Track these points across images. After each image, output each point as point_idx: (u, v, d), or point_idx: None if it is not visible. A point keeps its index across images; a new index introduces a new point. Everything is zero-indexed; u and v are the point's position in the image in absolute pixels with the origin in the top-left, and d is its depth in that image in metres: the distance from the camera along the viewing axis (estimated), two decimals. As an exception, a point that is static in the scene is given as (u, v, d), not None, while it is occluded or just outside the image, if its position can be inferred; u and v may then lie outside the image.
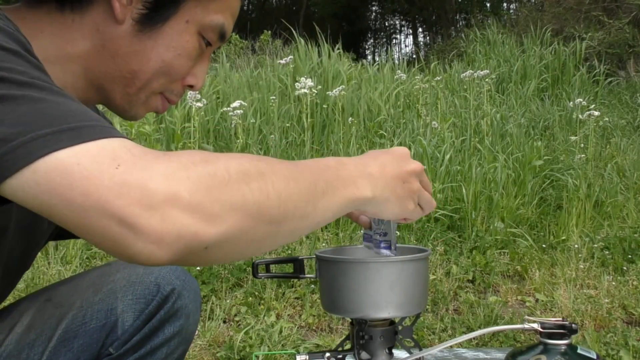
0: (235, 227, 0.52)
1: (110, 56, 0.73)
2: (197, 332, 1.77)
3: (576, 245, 2.97)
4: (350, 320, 0.92)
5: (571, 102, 4.71)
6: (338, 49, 5.25)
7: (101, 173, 0.48)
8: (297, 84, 3.99)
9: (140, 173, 0.49)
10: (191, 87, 0.80)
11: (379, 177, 0.73)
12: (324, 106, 4.28)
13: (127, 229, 0.48)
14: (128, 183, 0.48)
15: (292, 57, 4.89)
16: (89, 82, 0.75)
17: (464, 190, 3.27)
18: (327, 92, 4.26)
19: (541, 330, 0.84)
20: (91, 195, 0.48)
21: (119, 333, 0.88)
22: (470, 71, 4.87)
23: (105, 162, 0.49)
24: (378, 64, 6.01)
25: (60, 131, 0.50)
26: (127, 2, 0.71)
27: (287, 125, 4.09)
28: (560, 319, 0.84)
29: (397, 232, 0.88)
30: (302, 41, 5.22)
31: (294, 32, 5.48)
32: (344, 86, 4.28)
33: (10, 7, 0.71)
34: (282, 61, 4.76)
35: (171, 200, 0.49)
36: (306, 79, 4.02)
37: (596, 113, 3.98)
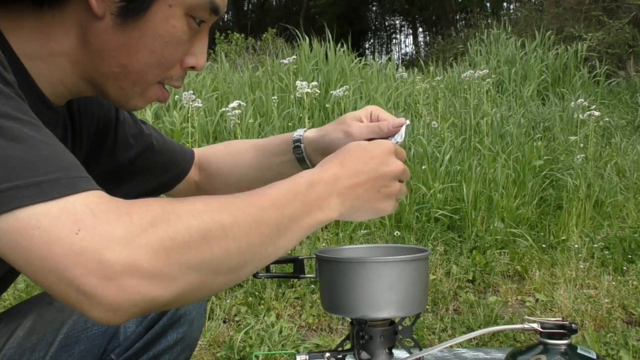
0: (193, 285, 0.53)
1: (97, 52, 0.69)
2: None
3: (576, 245, 2.97)
4: (350, 320, 0.92)
5: (572, 103, 4.71)
6: (343, 47, 5.25)
7: (60, 239, 0.48)
8: (298, 82, 3.99)
9: (99, 241, 0.48)
10: (192, 68, 0.75)
11: (350, 191, 0.71)
12: (327, 106, 4.28)
13: (84, 297, 0.48)
14: (86, 252, 0.48)
15: (295, 57, 4.89)
16: (80, 77, 0.72)
17: (464, 190, 3.27)
18: (331, 92, 4.26)
19: (541, 330, 0.84)
20: (50, 261, 0.48)
21: (121, 339, 0.87)
22: (471, 71, 4.87)
23: (65, 226, 0.48)
24: (379, 63, 6.01)
25: (23, 186, 0.48)
26: None
27: (290, 124, 4.09)
28: (560, 319, 0.84)
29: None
30: (307, 39, 5.22)
31: (297, 31, 5.48)
32: (347, 86, 4.28)
33: None
34: (285, 61, 4.76)
35: (129, 270, 0.49)
36: (302, 81, 4.01)
37: (596, 113, 3.98)
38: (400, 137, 0.83)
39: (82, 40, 0.69)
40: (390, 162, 0.76)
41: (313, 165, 0.95)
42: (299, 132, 0.97)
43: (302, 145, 0.96)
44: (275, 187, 0.64)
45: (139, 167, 0.96)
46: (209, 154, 1.07)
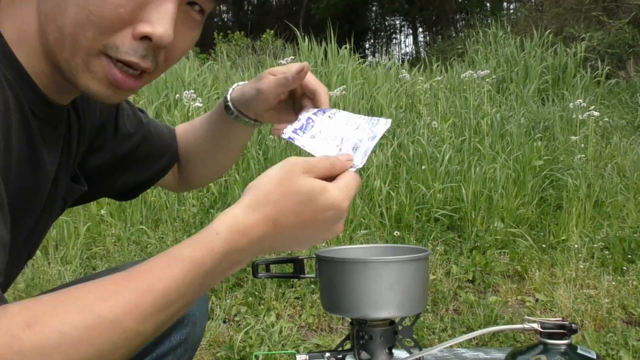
0: None
1: (45, 21, 0.62)
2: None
3: (576, 245, 2.96)
4: (350, 320, 0.92)
5: (572, 103, 4.71)
6: (345, 47, 5.25)
7: None
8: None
9: None
10: (147, 37, 0.62)
11: (275, 245, 0.64)
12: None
13: None
14: None
15: (293, 57, 4.89)
16: (51, 63, 0.65)
17: (463, 190, 3.27)
18: (329, 92, 4.26)
19: (541, 330, 0.84)
20: None
21: None
22: (471, 71, 4.87)
23: None
24: (379, 63, 6.01)
25: None
26: None
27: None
28: (560, 319, 0.84)
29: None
30: (307, 39, 5.22)
31: (296, 31, 5.48)
32: (344, 86, 4.28)
33: None
34: (283, 61, 4.76)
35: None
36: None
37: (596, 113, 3.98)
38: (361, 161, 0.72)
39: (40, 14, 0.62)
40: (334, 229, 0.66)
41: (254, 119, 0.93)
42: (227, 93, 0.93)
43: (230, 106, 0.93)
44: (175, 268, 0.56)
45: (140, 156, 0.95)
46: (179, 134, 1.05)
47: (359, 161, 0.71)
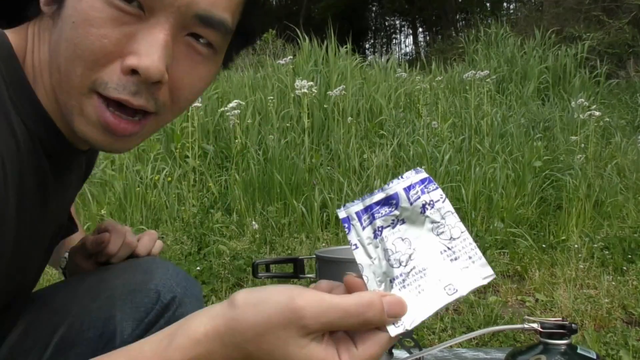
0: None
1: (50, 60, 0.60)
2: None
3: (576, 245, 2.96)
4: (350, 320, 0.92)
5: (573, 103, 4.71)
6: (346, 47, 5.26)
7: None
8: (297, 82, 3.99)
9: None
10: (134, 71, 0.56)
11: None
12: (325, 106, 4.28)
13: None
14: None
15: (292, 57, 4.89)
16: (57, 103, 0.62)
17: (463, 190, 3.27)
18: (328, 92, 4.26)
19: (541, 330, 0.84)
20: None
21: (117, 343, 0.84)
22: (472, 72, 4.87)
23: None
24: (380, 63, 6.01)
25: None
26: None
27: (287, 125, 4.09)
28: (560, 319, 0.84)
29: None
30: (307, 39, 5.22)
31: (297, 31, 5.48)
32: (344, 85, 4.28)
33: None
34: (282, 61, 4.76)
35: None
36: (302, 80, 4.01)
37: (596, 113, 3.98)
38: (411, 323, 0.49)
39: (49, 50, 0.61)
40: None
41: None
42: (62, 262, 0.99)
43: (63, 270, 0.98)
44: None
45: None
46: None
47: (409, 322, 0.48)
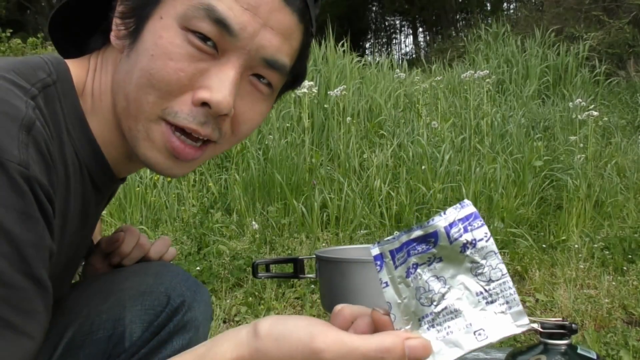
0: None
1: (117, 90, 0.65)
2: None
3: (576, 245, 2.96)
4: (350, 320, 0.92)
5: (571, 103, 4.71)
6: (343, 46, 5.25)
7: None
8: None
9: None
10: (206, 104, 0.61)
11: None
12: (325, 106, 4.28)
13: None
14: None
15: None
16: (122, 135, 0.67)
17: (463, 190, 3.27)
18: (328, 92, 4.26)
19: (541, 330, 0.84)
20: None
21: (127, 345, 0.85)
22: (471, 71, 4.87)
23: None
24: (379, 62, 6.01)
25: None
26: (116, 25, 0.65)
27: (288, 125, 4.09)
28: (560, 319, 0.84)
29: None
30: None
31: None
32: (345, 85, 4.28)
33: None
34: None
35: None
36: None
37: (596, 113, 3.98)
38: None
39: (112, 81, 0.66)
40: None
41: None
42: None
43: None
44: None
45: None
46: None
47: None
